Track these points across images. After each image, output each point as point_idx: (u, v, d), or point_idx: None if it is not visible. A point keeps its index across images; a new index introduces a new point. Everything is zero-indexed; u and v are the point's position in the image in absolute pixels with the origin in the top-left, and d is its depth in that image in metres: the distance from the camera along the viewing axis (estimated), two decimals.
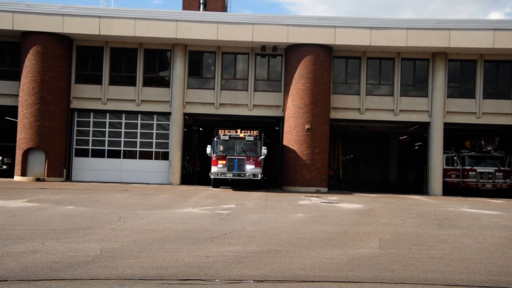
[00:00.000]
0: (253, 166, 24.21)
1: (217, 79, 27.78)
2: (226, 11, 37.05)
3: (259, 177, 24.50)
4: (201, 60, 28.35)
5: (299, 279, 9.34)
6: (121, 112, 27.62)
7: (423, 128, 29.01)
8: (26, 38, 26.08)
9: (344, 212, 18.62)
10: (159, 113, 27.68)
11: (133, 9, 26.75)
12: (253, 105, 27.66)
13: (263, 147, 24.64)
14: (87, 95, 27.46)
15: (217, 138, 24.73)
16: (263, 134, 25.65)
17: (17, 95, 26.30)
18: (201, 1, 34.22)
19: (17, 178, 26.13)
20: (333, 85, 27.62)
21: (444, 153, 28.23)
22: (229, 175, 24.34)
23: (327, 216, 17.24)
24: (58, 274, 9.21)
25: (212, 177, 24.87)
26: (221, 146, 24.70)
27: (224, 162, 24.27)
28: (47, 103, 25.98)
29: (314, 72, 26.35)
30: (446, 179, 28.59)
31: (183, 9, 33.91)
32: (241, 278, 9.35)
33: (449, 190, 28.35)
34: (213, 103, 27.61)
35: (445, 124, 27.71)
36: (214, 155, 24.57)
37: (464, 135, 31.22)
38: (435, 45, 26.35)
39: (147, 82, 27.95)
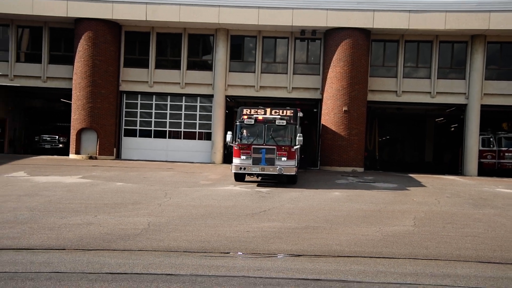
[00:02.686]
0: (285, 158, 18.42)
1: (257, 62, 27.73)
2: None
3: (294, 172, 18.58)
4: (242, 44, 28.32)
5: (335, 254, 9.44)
6: (167, 94, 28.04)
7: (460, 110, 28.20)
8: (79, 25, 26.69)
9: (380, 191, 18.65)
10: (202, 96, 27.93)
11: None
12: (292, 87, 27.51)
13: (298, 134, 18.79)
14: (134, 78, 27.96)
15: (239, 121, 19.18)
16: (299, 114, 20.51)
17: (71, 79, 27.05)
18: None
19: (71, 156, 27.05)
20: (370, 68, 27.13)
21: (480, 134, 27.48)
22: (255, 170, 18.58)
23: (362, 195, 17.31)
24: (110, 245, 9.69)
25: (233, 171, 19.03)
26: (244, 132, 19.00)
27: (248, 152, 18.59)
28: (98, 86, 26.62)
29: (352, 55, 25.93)
30: (482, 160, 27.88)
31: None
32: (280, 252, 9.49)
33: (485, 171, 27.66)
34: (254, 86, 27.62)
35: (482, 106, 26.88)
36: (236, 143, 18.94)
37: (501, 117, 30.18)
38: (474, 27, 25.43)
39: (191, 66, 28.18)
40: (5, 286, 7.09)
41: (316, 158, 27.60)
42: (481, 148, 27.79)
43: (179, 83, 27.77)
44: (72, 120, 26.97)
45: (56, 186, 17.19)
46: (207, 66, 28.30)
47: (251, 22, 26.09)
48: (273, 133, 18.77)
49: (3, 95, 29.26)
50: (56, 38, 28.13)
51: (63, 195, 15.50)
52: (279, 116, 18.97)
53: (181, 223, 11.68)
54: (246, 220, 12.25)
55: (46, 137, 30.61)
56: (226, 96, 27.80)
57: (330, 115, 26.38)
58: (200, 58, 28.80)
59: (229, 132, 19.20)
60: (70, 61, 27.19)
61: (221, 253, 9.49)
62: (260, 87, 27.62)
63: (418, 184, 21.21)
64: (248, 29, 27.19)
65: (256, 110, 19.70)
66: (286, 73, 27.57)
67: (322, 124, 26.83)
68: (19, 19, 27.12)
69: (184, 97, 28.03)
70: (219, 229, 11.13)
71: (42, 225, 11.22)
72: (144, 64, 27.99)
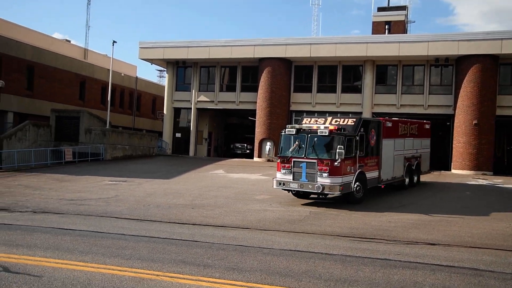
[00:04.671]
0: (326, 174, 15.44)
1: (398, 85, 33.22)
2: (406, 33, 41.78)
3: (338, 191, 15.60)
4: (385, 72, 34.13)
5: (467, 245, 10.02)
6: (325, 112, 34.72)
7: None
8: (261, 62, 35.29)
9: (508, 191, 20.82)
10: (352, 112, 34.03)
11: (334, 36, 33.99)
12: (428, 105, 32.34)
13: (339, 146, 15.28)
14: (301, 101, 35.49)
15: (283, 132, 17.01)
16: (358, 126, 16.79)
17: (255, 102, 35.61)
18: (386, 27, 39.83)
19: (255, 159, 35.47)
20: (499, 87, 30.67)
21: None
22: (294, 186, 16.22)
23: (490, 194, 19.87)
24: (279, 227, 12.17)
25: (274, 186, 16.88)
26: (287, 143, 16.65)
27: (288, 166, 16.31)
28: (274, 107, 34.71)
29: (481, 77, 29.86)
30: None
31: (372, 33, 39.90)
32: (417, 240, 10.46)
33: None
34: (395, 104, 33.13)
35: None
36: (277, 156, 16.97)
37: None
38: None
39: (344, 90, 34.72)
40: (205, 253, 8.77)
41: (449, 163, 31.85)
42: None
43: (335, 103, 34.54)
44: (256, 132, 35.46)
45: (244, 181, 22.39)
46: (357, 90, 34.63)
47: (393, 54, 31.81)
48: (316, 145, 15.93)
49: (211, 115, 39.44)
50: (245, 73, 37.22)
51: (249, 187, 20.04)
52: (323, 126, 16.22)
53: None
54: (389, 212, 15.41)
55: (238, 145, 40.03)
56: (372, 113, 33.74)
57: (462, 128, 30.59)
58: (351, 84, 35.24)
59: (268, 143, 18.54)
60: (255, 89, 35.89)
61: (367, 238, 10.66)
62: (401, 105, 33.03)
63: None
64: (391, 59, 32.93)
65: (316, 119, 17.74)
66: (423, 93, 32.59)
67: (454, 135, 31.12)
68: (222, 61, 36.83)
69: (338, 114, 34.53)
70: (364, 219, 13.12)
71: (232, 209, 14.37)
72: (308, 90, 35.42)
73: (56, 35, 55.69)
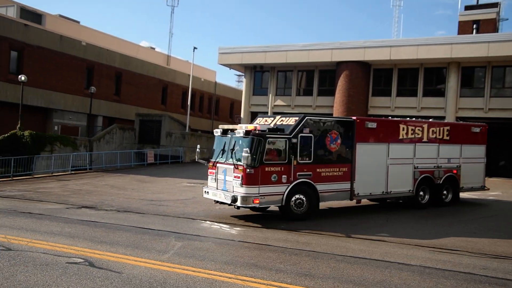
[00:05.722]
0: (240, 183, 12.98)
1: (486, 88, 31.21)
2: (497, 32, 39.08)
3: (251, 203, 12.86)
4: (472, 74, 32.22)
5: None
6: (405, 116, 33.43)
7: None
8: (338, 66, 34.78)
9: None
10: (434, 117, 32.34)
11: (416, 38, 32.67)
12: None
13: (245, 149, 12.67)
14: (379, 105, 34.53)
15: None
16: (296, 127, 13.75)
17: (332, 106, 35.21)
18: (474, 27, 37.50)
19: None
20: None
21: None
22: (216, 195, 14.00)
23: None
24: (354, 232, 14.91)
25: (203, 195, 14.84)
26: (218, 146, 14.51)
27: (213, 172, 14.25)
28: (352, 111, 33.95)
29: None
30: None
31: (458, 34, 37.78)
32: (507, 254, 9.96)
33: None
34: (482, 108, 31.15)
35: None
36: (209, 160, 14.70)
37: None
38: None
39: (426, 93, 33.26)
40: (277, 257, 9.65)
41: None
42: None
43: (416, 107, 33.20)
44: None
45: None
46: (440, 93, 33.01)
47: (481, 54, 29.94)
48: (236, 148, 13.62)
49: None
50: (322, 77, 36.91)
51: None
52: (245, 126, 13.62)
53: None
54: None
55: None
56: (457, 117, 31.94)
57: None
58: (434, 87, 33.68)
59: (198, 146, 16.37)
60: (331, 93, 35.45)
61: (448, 249, 10.30)
62: (489, 109, 30.99)
63: None
64: (478, 60, 31.04)
65: (266, 119, 15.02)
66: None
67: None
68: (299, 65, 36.80)
69: (419, 119, 33.23)
70: (446, 228, 12.90)
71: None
72: (387, 93, 34.36)
73: (143, 43, 58.89)
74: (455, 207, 17.42)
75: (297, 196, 13.57)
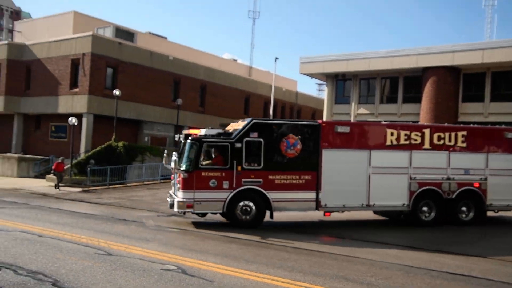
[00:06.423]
0: (179, 188, 13.25)
1: None
2: None
3: (183, 208, 13.00)
4: None
5: None
6: (501, 123, 31.28)
7: None
8: (425, 72, 33.37)
9: None
10: None
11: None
12: None
13: (174, 153, 13.76)
14: (471, 111, 32.56)
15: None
16: (241, 131, 13.40)
17: (418, 113, 33.81)
18: None
19: None
20: None
21: None
22: (170, 201, 13.97)
23: None
24: (449, 248, 13.72)
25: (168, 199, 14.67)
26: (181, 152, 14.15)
27: (172, 177, 14.49)
28: (440, 119, 32.30)
29: None
30: None
31: None
32: None
33: None
34: None
35: None
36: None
37: None
38: None
39: None
40: (367, 270, 8.75)
41: None
42: None
43: None
44: None
45: None
46: None
47: None
48: (183, 154, 13.63)
49: None
50: (407, 83, 35.61)
51: None
52: (186, 131, 13.91)
53: None
54: None
55: None
56: None
57: None
58: None
59: (165, 151, 15.60)
60: (417, 100, 34.07)
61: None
62: None
63: None
64: None
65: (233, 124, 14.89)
66: None
67: None
68: (383, 72, 35.82)
69: None
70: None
71: None
72: (480, 99, 32.34)
73: (226, 55, 60.66)
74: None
75: (244, 202, 13.15)
